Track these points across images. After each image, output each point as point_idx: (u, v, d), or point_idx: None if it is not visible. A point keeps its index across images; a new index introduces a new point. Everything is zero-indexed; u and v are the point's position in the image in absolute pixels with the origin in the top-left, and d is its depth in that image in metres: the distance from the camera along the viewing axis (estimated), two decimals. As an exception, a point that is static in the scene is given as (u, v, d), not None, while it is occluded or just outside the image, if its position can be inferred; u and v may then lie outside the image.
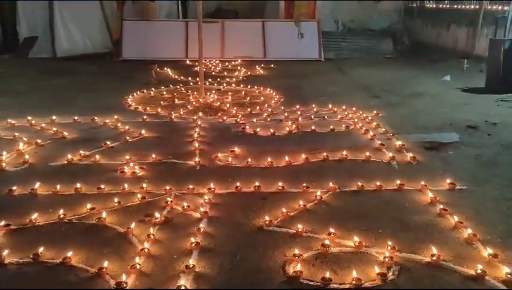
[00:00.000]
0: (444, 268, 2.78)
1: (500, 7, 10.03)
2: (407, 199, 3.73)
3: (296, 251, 2.89)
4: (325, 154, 4.60)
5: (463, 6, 11.78)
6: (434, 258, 2.84)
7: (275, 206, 3.54)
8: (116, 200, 3.59)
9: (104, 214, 3.35)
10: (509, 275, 2.67)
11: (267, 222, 3.29)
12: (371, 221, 3.36)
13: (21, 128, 5.40)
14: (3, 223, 3.21)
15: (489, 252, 2.89)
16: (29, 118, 5.69)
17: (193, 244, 2.98)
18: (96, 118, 5.81)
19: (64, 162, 4.43)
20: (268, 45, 11.42)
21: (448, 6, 12.56)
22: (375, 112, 6.20)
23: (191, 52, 11.09)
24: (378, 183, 3.93)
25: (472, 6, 11.21)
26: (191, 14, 14.03)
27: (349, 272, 2.69)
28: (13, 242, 3.02)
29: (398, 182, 3.95)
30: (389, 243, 2.98)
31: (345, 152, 4.63)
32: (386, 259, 2.83)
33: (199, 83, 7.25)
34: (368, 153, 4.61)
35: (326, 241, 3.01)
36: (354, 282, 2.60)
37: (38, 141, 4.95)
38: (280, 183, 3.91)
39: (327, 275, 2.65)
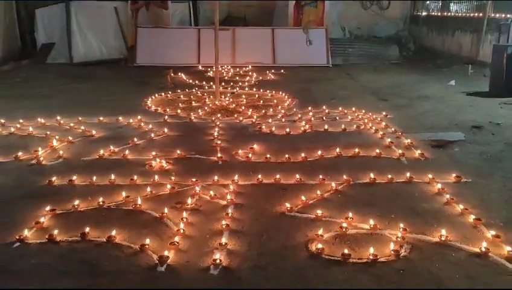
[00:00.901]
0: (451, 247, 3.08)
1: (503, 15, 10.37)
2: (417, 190, 4.03)
3: (318, 232, 3.19)
4: (338, 150, 4.91)
5: (467, 14, 12.13)
6: (442, 238, 3.14)
7: (295, 196, 3.85)
8: (148, 189, 3.91)
9: (139, 201, 3.67)
10: (511, 253, 2.96)
11: (288, 209, 3.60)
12: (383, 208, 3.66)
13: (51, 128, 5.75)
14: (48, 208, 3.53)
15: (493, 233, 3.19)
16: (58, 118, 6.03)
17: (223, 226, 3.30)
18: (120, 118, 6.15)
19: (96, 157, 4.76)
20: (278, 51, 11.77)
21: (453, 14, 12.92)
22: (383, 113, 6.51)
23: (203, 58, 11.43)
24: (389, 176, 4.24)
25: (476, 14, 11.55)
26: (202, 21, 14.45)
27: (366, 250, 2.99)
28: (60, 224, 3.34)
29: (408, 175, 4.26)
30: (401, 225, 3.29)
31: (357, 149, 4.94)
32: (399, 239, 3.14)
33: (214, 86, 7.59)
34: (378, 150, 4.92)
35: (344, 224, 3.32)
36: (371, 257, 2.91)
37: (70, 138, 5.28)
38: (298, 176, 4.22)
39: (346, 251, 2.96)
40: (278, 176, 4.22)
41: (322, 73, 10.55)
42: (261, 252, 3.00)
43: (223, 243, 3.05)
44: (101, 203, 3.67)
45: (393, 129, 5.76)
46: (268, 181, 4.19)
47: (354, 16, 15.17)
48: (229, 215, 3.49)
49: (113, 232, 3.16)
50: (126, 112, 6.43)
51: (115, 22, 11.89)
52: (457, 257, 2.95)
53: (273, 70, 10.58)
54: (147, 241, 3.05)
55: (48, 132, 5.49)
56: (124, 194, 3.82)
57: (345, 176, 4.23)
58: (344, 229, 3.27)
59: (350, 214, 3.45)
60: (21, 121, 5.89)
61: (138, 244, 3.04)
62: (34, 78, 9.32)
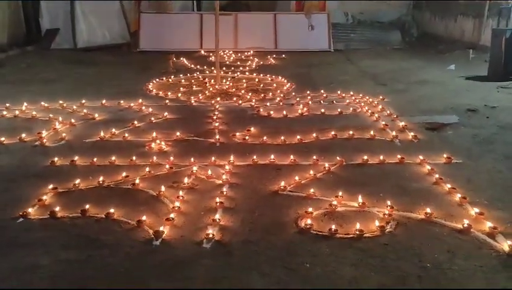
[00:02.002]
0: (436, 223, 3.20)
1: (505, -1, 10.35)
2: (407, 171, 4.15)
3: (309, 209, 3.33)
4: (333, 133, 5.03)
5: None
6: (427, 215, 3.27)
7: (288, 176, 3.97)
8: (147, 169, 4.05)
9: (137, 180, 3.81)
10: (492, 229, 3.09)
11: (281, 187, 3.73)
12: (373, 187, 3.78)
13: (54, 111, 5.89)
14: (51, 186, 3.69)
15: (476, 211, 3.31)
16: (61, 101, 6.17)
17: (217, 204, 3.44)
18: (122, 101, 6.28)
19: (97, 139, 4.91)
20: (280, 37, 11.82)
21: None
22: (381, 97, 6.60)
23: (206, 44, 11.51)
24: (381, 157, 4.35)
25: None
26: (205, 7, 14.45)
27: (353, 226, 3.12)
28: (62, 202, 3.49)
29: (399, 156, 4.37)
30: (388, 203, 3.41)
31: (351, 131, 5.05)
32: (385, 216, 3.27)
33: (215, 71, 7.70)
34: (372, 132, 5.02)
35: (334, 202, 3.45)
36: (357, 233, 3.04)
37: (72, 120, 5.43)
38: (292, 157, 4.35)
39: (334, 227, 3.09)
40: (272, 157, 4.35)
41: (323, 58, 10.61)
42: (252, 228, 3.14)
43: (217, 219, 3.19)
44: (101, 182, 3.82)
45: (388, 112, 5.85)
46: (263, 162, 4.32)
47: (357, 1, 15.10)
48: (224, 193, 3.63)
49: (112, 209, 3.30)
50: (128, 96, 6.56)
51: (118, 7, 11.96)
52: (440, 233, 3.08)
53: (274, 55, 10.66)
54: (144, 217, 3.19)
55: (51, 115, 5.64)
56: (123, 174, 3.96)
57: (338, 157, 4.35)
58: (333, 207, 3.40)
59: (340, 193, 3.58)
60: (25, 104, 6.03)
61: (135, 220, 3.19)
62: (39, 63, 9.45)
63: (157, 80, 7.91)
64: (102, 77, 8.25)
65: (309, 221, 3.17)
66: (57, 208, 3.32)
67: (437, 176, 3.95)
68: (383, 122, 5.40)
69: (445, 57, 10.40)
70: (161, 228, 3.05)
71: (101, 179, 3.85)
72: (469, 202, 3.49)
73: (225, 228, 3.14)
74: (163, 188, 3.67)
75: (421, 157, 4.35)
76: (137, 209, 3.39)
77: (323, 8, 12.48)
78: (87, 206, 3.33)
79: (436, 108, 6.13)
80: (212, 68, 8.66)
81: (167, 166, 4.18)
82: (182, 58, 9.93)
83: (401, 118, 5.63)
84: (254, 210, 3.39)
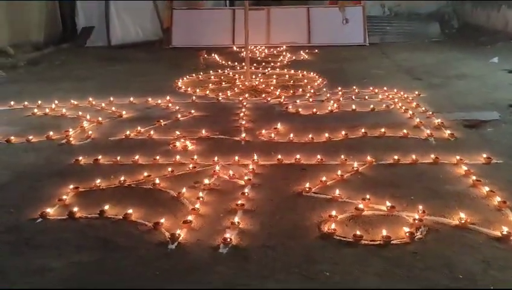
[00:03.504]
0: (471, 230, 2.96)
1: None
2: (442, 172, 3.90)
3: (332, 213, 3.15)
4: (363, 130, 4.81)
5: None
6: (462, 221, 3.03)
7: (314, 176, 3.80)
8: (169, 169, 3.97)
9: (157, 180, 3.73)
10: (534, 237, 2.83)
11: (305, 189, 3.57)
12: (404, 190, 3.57)
13: (83, 109, 5.92)
14: (72, 186, 3.66)
15: (517, 217, 3.05)
16: (90, 99, 6.20)
17: (238, 206, 3.31)
18: (150, 99, 6.25)
19: (122, 137, 4.88)
20: (313, 31, 11.56)
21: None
22: (416, 92, 6.30)
23: (238, 39, 11.39)
24: (414, 157, 4.11)
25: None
26: (238, 3, 14.33)
27: (379, 231, 2.92)
28: (82, 201, 3.46)
29: (434, 156, 4.12)
30: (420, 207, 3.19)
31: (383, 129, 4.81)
32: (416, 221, 3.05)
33: (245, 67, 7.57)
34: (405, 131, 4.77)
35: (360, 206, 3.26)
36: (383, 239, 2.85)
37: (99, 118, 5.43)
38: (319, 156, 4.17)
39: (359, 233, 2.91)
40: (298, 156, 4.18)
41: (357, 52, 10.31)
42: (272, 232, 2.99)
43: (236, 222, 3.07)
44: (122, 181, 3.76)
45: (424, 108, 5.56)
46: (288, 161, 4.16)
47: (394, -8, 14.62)
48: (245, 195, 3.50)
49: (130, 210, 3.23)
50: (156, 93, 6.52)
51: (151, 4, 12.02)
52: (475, 241, 2.85)
53: (307, 50, 10.42)
54: (162, 219, 3.10)
55: (80, 113, 5.66)
56: (145, 173, 3.90)
57: (368, 157, 4.14)
58: (359, 211, 3.21)
59: (367, 196, 3.38)
60: (56, 102, 6.08)
61: (153, 222, 3.10)
62: (73, 61, 9.59)
63: (187, 76, 7.85)
64: (133, 74, 8.27)
65: (333, 225, 3.00)
66: (76, 209, 3.28)
67: (474, 177, 3.69)
68: (418, 120, 5.13)
69: (487, 49, 9.87)
70: (178, 231, 2.96)
71: (122, 178, 3.80)
72: (509, 206, 3.23)
73: (244, 231, 3.01)
74: (184, 189, 3.58)
75: (457, 157, 4.08)
76: (156, 210, 3.31)
77: (359, 1, 12.11)
78: (106, 207, 3.28)
79: (475, 104, 5.79)
80: (243, 64, 8.53)
81: (190, 165, 4.09)
82: (213, 55, 9.84)
83: (437, 114, 5.35)
84: (275, 213, 3.25)
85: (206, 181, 3.73)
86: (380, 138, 4.71)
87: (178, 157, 4.27)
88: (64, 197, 3.49)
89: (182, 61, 9.39)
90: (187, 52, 10.49)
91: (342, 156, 4.17)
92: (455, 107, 5.67)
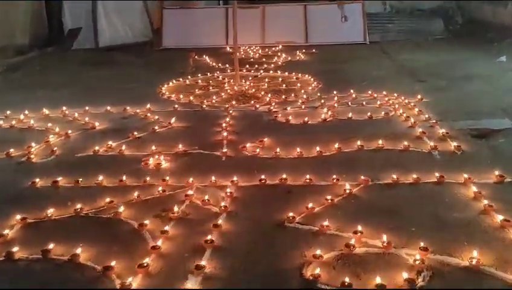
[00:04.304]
0: (484, 274, 2.45)
1: None
2: (448, 194, 3.38)
3: (317, 252, 2.64)
4: (359, 143, 4.29)
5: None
6: (473, 262, 2.51)
7: (300, 201, 3.30)
8: (135, 194, 3.47)
9: (121, 209, 3.24)
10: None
11: (289, 218, 3.06)
12: (403, 218, 3.06)
13: (54, 119, 5.42)
14: (19, 217, 3.17)
15: (539, 257, 2.53)
16: (64, 108, 5.70)
17: (207, 242, 2.81)
18: (128, 107, 5.74)
19: (90, 153, 4.38)
20: (310, 29, 11.02)
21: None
22: (419, 97, 5.77)
23: (231, 39, 10.82)
24: (415, 175, 3.60)
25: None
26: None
27: (373, 276, 2.42)
28: (27, 237, 2.97)
29: (438, 174, 3.60)
30: (422, 243, 2.68)
31: (381, 141, 4.30)
32: (417, 262, 2.53)
33: (238, 69, 7.09)
34: (406, 143, 4.25)
35: (352, 241, 2.75)
36: (376, 289, 2.34)
37: (69, 131, 4.93)
38: (308, 176, 3.66)
39: (348, 279, 2.39)
40: (284, 176, 3.67)
41: (357, 51, 9.76)
42: (243, 279, 2.49)
43: (201, 266, 2.56)
44: (78, 210, 3.27)
45: (427, 116, 5.03)
46: (272, 182, 3.66)
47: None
48: (218, 226, 2.99)
49: (79, 250, 2.74)
50: (137, 101, 6.01)
51: (140, 3, 11.51)
52: (489, 287, 2.33)
53: (304, 50, 9.89)
54: (113, 262, 2.60)
55: (50, 125, 5.16)
56: (107, 199, 3.40)
57: (362, 176, 3.63)
58: (350, 248, 2.70)
59: (360, 228, 2.87)
60: (26, 112, 5.59)
61: (105, 264, 2.60)
62: (55, 66, 9.08)
63: (174, 81, 7.33)
64: (117, 79, 7.76)
65: (317, 270, 2.49)
66: (16, 248, 2.78)
67: (486, 202, 3.17)
68: (420, 129, 4.60)
69: (494, 46, 9.30)
70: (129, 279, 2.45)
71: (79, 206, 3.30)
72: (528, 241, 2.72)
73: (210, 278, 2.50)
74: (147, 221, 3.07)
75: (465, 175, 3.56)
76: (110, 248, 2.81)
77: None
78: (51, 246, 2.78)
79: (484, 109, 5.25)
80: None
81: (160, 188, 3.58)
82: (204, 56, 9.33)
83: (442, 123, 4.82)
84: (250, 252, 2.74)
85: (175, 209, 3.23)
86: (378, 152, 4.20)
87: (148, 178, 3.77)
88: (7, 231, 2.99)
89: (171, 64, 8.88)
90: (178, 53, 9.97)
91: (334, 176, 3.65)
92: (462, 114, 5.13)
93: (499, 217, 2.96)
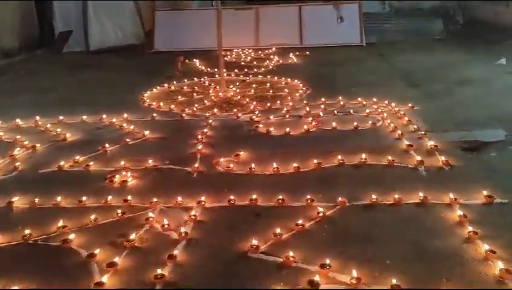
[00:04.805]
0: (462, 320, 2.17)
1: None
2: (430, 217, 3.10)
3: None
4: (340, 158, 4.00)
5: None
6: (450, 304, 2.23)
7: (268, 225, 3.03)
8: (92, 217, 3.21)
9: (72, 236, 2.98)
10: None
11: (253, 247, 2.79)
12: (379, 246, 2.78)
13: (25, 130, 5.17)
14: (-40, 245, 2.92)
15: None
16: (37, 118, 5.44)
17: (157, 277, 2.54)
18: (104, 116, 5.48)
19: (54, 169, 4.12)
20: (305, 31, 10.70)
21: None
22: (410, 104, 5.46)
23: (225, 41, 10.53)
24: (396, 196, 3.31)
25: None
26: (227, 2, 13.52)
27: (336, 322, 2.14)
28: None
29: (422, 194, 3.31)
30: (394, 280, 2.39)
31: (364, 155, 4.01)
32: (387, 304, 2.26)
33: (224, 74, 6.84)
34: (390, 157, 3.96)
35: (316, 277, 2.47)
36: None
37: (37, 145, 4.67)
38: (280, 196, 3.38)
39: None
40: (254, 196, 3.40)
41: (352, 53, 9.44)
42: (189, 324, 2.22)
43: (146, 307, 2.30)
44: (27, 236, 3.01)
45: (415, 126, 4.73)
46: (241, 203, 3.39)
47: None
48: (174, 256, 2.73)
49: (15, 287, 2.48)
50: (117, 108, 5.73)
51: (132, 5, 11.25)
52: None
53: (297, 52, 9.58)
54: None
55: (19, 136, 4.90)
56: (61, 223, 3.14)
57: (339, 197, 3.34)
58: (314, 286, 2.42)
59: (328, 261, 2.59)
60: (-1, 122, 5.36)
61: (40, 304, 2.35)
62: (41, 70, 8.83)
63: (158, 87, 7.06)
64: (101, 84, 7.49)
65: (273, 313, 2.22)
66: None
67: (470, 228, 2.87)
68: (407, 142, 4.31)
69: (495, 48, 8.96)
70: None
71: (28, 231, 3.04)
72: (515, 277, 2.42)
73: (153, 322, 2.24)
74: (97, 250, 2.81)
75: (451, 195, 3.27)
76: (51, 283, 2.55)
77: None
78: (-15, 282, 2.53)
79: (478, 118, 4.94)
80: (224, 71, 7.75)
81: (119, 211, 3.31)
82: (194, 60, 9.05)
83: (431, 134, 4.52)
84: (204, 287, 2.47)
85: (132, 235, 2.96)
86: (359, 168, 3.90)
87: (110, 197, 3.50)
88: None
89: (160, 68, 8.60)
90: (169, 56, 9.62)
91: (308, 196, 3.37)
92: (453, 124, 4.82)
93: (484, 247, 2.67)
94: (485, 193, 3.30)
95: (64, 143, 4.79)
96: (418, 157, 3.97)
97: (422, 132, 4.54)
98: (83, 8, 10.72)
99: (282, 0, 11.50)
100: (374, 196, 3.31)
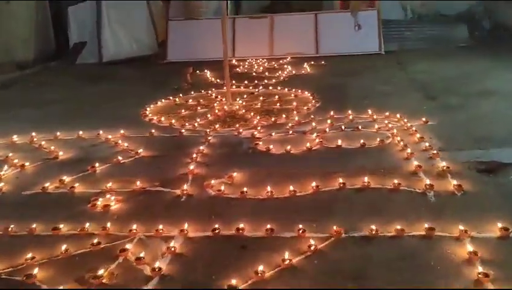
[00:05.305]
0: None
1: None
2: (435, 253, 2.74)
3: None
4: (341, 181, 3.67)
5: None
6: None
7: (252, 260, 2.73)
8: (63, 247, 2.97)
9: (35, 270, 2.73)
10: None
11: (230, 286, 2.49)
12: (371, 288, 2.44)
13: (19, 147, 5.01)
14: None
15: None
16: (33, 134, 5.29)
17: (117, 324, 2.27)
18: (101, 132, 5.28)
19: (38, 191, 3.91)
20: (322, 40, 10.37)
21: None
22: (423, 119, 5.08)
23: (238, 51, 10.43)
24: (399, 226, 2.96)
25: None
26: (245, 8, 13.29)
27: None
28: None
29: (427, 225, 2.95)
30: (384, 337, 2.06)
31: (367, 178, 3.66)
32: None
33: (232, 86, 6.64)
34: (397, 181, 3.60)
35: (294, 328, 2.16)
36: None
37: (26, 163, 4.49)
38: (269, 226, 3.08)
39: None
40: (241, 225, 3.10)
41: (369, 62, 9.05)
42: None
43: None
44: (-10, 269, 2.79)
45: (427, 145, 4.35)
46: (227, 232, 3.09)
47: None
48: (142, 298, 2.46)
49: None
50: (117, 123, 5.51)
51: (146, 15, 11.15)
52: None
53: (312, 62, 9.26)
54: None
55: (11, 154, 4.74)
56: (29, 254, 2.91)
57: (335, 227, 3.02)
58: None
59: (310, 308, 2.27)
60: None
61: None
62: (51, 82, 8.75)
63: (163, 100, 6.85)
64: (108, 97, 7.32)
65: None
66: None
67: (481, 269, 2.51)
68: (416, 163, 3.94)
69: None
70: None
71: (-7, 264, 2.83)
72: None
73: None
74: (61, 288, 2.57)
75: (460, 227, 2.90)
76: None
77: (373, 4, 10.80)
78: None
79: (498, 135, 4.53)
80: (233, 82, 7.51)
81: (95, 240, 3.06)
82: (205, 70, 8.84)
83: (444, 153, 4.13)
84: (166, 339, 2.19)
85: (100, 271, 2.70)
86: (361, 192, 3.56)
87: (88, 224, 3.26)
88: None
89: (170, 80, 8.41)
90: (181, 67, 9.45)
91: (300, 225, 3.06)
92: (469, 141, 4.42)
93: (495, 293, 2.30)
94: (499, 225, 2.91)
95: (55, 162, 4.59)
96: (427, 181, 3.59)
97: (435, 151, 4.16)
98: (97, 19, 10.69)
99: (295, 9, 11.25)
100: (373, 227, 2.97)
